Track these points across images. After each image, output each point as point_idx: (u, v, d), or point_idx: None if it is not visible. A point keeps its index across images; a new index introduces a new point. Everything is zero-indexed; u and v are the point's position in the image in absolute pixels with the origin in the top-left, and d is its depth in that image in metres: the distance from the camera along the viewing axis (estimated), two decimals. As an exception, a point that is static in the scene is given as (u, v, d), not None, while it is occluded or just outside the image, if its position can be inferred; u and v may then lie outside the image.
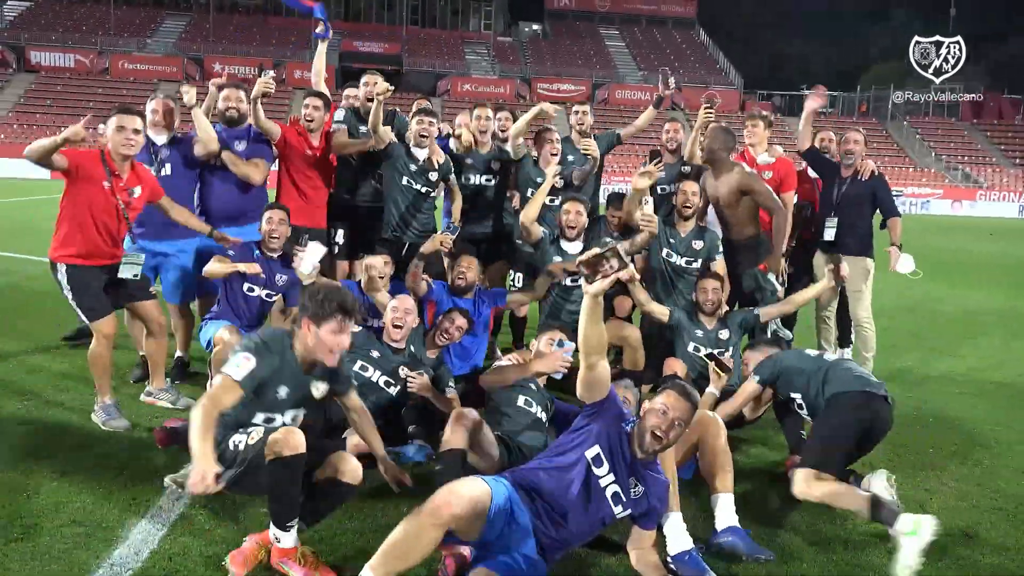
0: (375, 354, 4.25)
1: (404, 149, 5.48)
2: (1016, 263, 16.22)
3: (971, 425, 5.05)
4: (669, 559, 3.08)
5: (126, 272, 4.43)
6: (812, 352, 4.11)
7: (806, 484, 3.38)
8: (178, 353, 5.44)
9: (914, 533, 2.97)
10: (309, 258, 4.68)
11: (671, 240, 5.28)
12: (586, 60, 55.12)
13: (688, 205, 5.21)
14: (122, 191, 4.38)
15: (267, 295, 4.97)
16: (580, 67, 53.33)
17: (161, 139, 5.16)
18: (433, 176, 5.52)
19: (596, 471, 2.95)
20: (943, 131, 50.97)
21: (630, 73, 53.93)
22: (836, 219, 5.68)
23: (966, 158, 47.60)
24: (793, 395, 3.93)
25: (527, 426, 3.87)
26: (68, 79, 45.28)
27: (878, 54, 63.99)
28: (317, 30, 6.27)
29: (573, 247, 5.16)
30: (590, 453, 2.96)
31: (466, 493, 2.64)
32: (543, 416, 3.97)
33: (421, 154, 5.48)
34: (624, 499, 2.97)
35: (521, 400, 3.93)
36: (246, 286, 4.88)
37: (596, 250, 2.87)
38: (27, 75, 45.21)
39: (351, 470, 3.01)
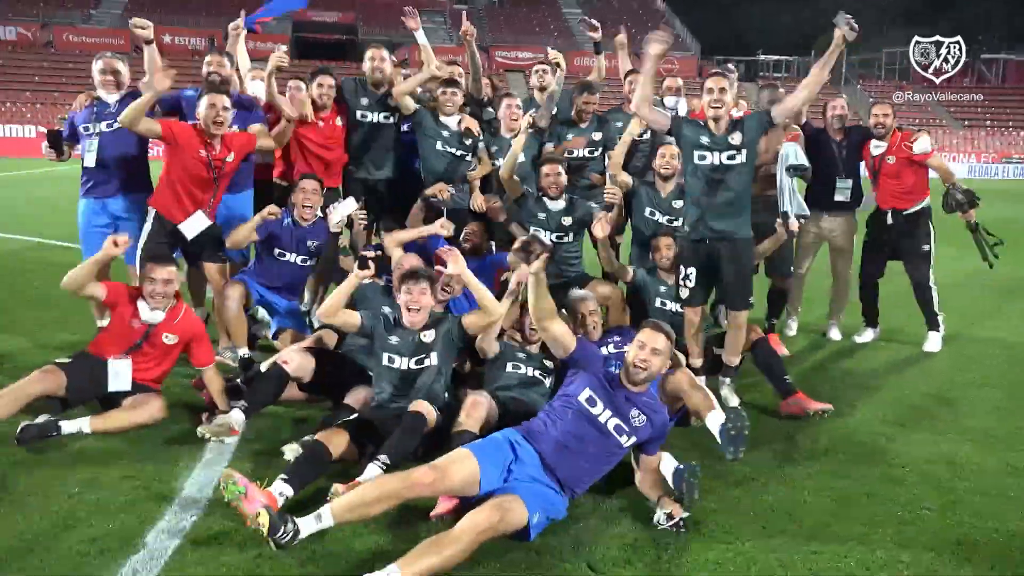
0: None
1: (432, 117, 5.62)
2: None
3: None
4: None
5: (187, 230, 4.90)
6: None
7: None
8: None
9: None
10: (341, 210, 5.07)
11: (654, 200, 5.40)
12: (543, 28, 54.68)
13: (667, 167, 5.32)
14: (216, 159, 4.90)
15: (301, 260, 5.19)
16: (538, 35, 52.79)
17: (112, 98, 5.25)
18: (468, 141, 5.66)
19: (592, 410, 3.32)
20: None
21: (588, 41, 53.55)
22: (849, 180, 6.01)
23: (916, 121, 48.57)
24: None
25: (517, 384, 4.15)
26: (10, 52, 43.50)
27: (832, 17, 64.38)
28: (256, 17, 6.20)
29: (556, 204, 5.32)
30: (582, 396, 3.35)
31: (454, 477, 3.04)
32: (537, 374, 4.22)
33: (450, 122, 5.63)
34: (627, 429, 3.33)
35: (510, 366, 4.23)
36: (276, 251, 5.12)
37: (523, 238, 3.56)
38: (-35, 48, 43.41)
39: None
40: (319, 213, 5.21)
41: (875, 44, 53.42)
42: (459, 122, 5.67)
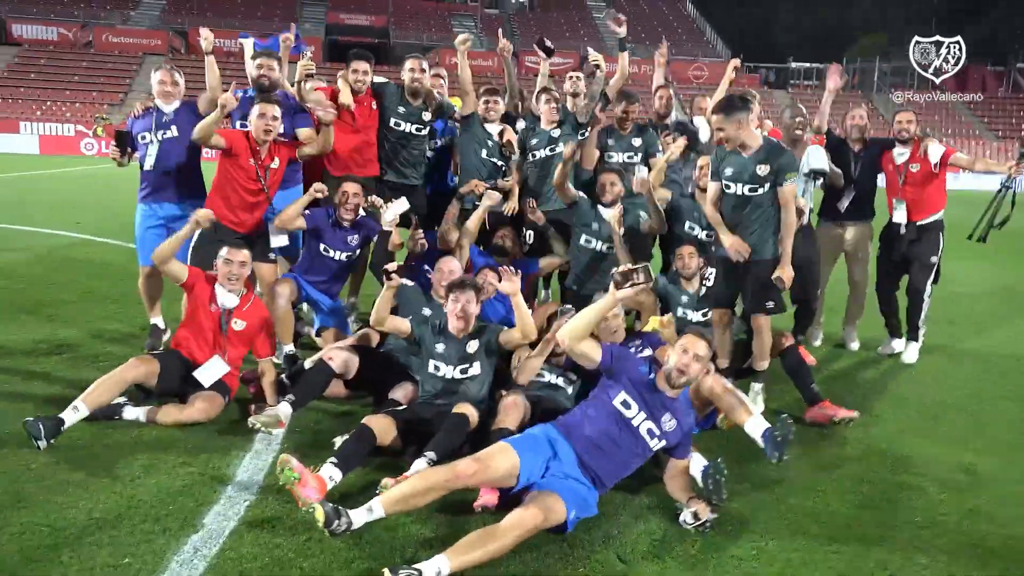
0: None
1: (479, 123, 5.88)
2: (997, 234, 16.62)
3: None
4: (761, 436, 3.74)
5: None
6: None
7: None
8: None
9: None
10: (394, 209, 5.27)
11: (694, 214, 5.51)
12: (573, 32, 54.77)
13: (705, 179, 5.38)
14: (262, 167, 5.17)
15: (347, 257, 5.44)
16: (567, 39, 52.84)
17: (169, 108, 5.48)
18: (507, 153, 5.90)
19: (627, 413, 3.48)
20: (927, 103, 51.24)
21: (618, 45, 53.68)
22: (854, 192, 6.10)
23: (950, 131, 47.96)
24: None
25: (539, 388, 4.33)
26: (51, 52, 44.56)
27: (863, 25, 63.86)
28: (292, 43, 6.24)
29: (609, 212, 5.46)
30: (618, 400, 3.50)
31: (496, 470, 3.23)
32: (560, 382, 4.41)
33: (493, 129, 5.89)
34: (659, 432, 3.49)
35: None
36: (322, 247, 5.34)
37: (630, 265, 3.51)
38: (9, 48, 44.44)
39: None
40: (362, 212, 5.43)
41: (908, 52, 52.73)
42: (501, 132, 5.89)
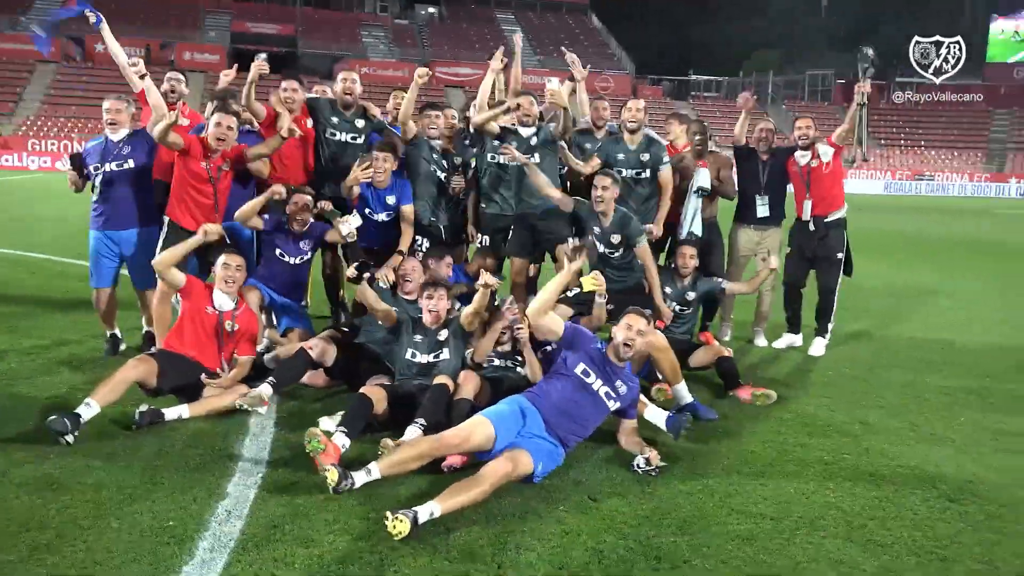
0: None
1: (426, 141, 6.19)
2: (888, 236, 18.34)
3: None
4: (672, 409, 4.65)
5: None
6: None
7: None
8: (148, 328, 5.98)
9: None
10: (352, 222, 5.67)
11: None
12: (483, 44, 55.59)
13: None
14: (214, 169, 5.52)
15: (301, 260, 5.79)
16: (478, 51, 53.80)
17: (117, 136, 5.66)
18: (456, 161, 6.30)
19: (587, 380, 4.11)
20: (818, 114, 54.72)
21: (526, 58, 54.27)
22: (767, 197, 6.71)
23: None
24: None
25: (493, 369, 4.96)
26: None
27: (759, 41, 67.60)
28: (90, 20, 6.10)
29: (527, 130, 6.03)
30: (578, 369, 4.14)
31: (475, 439, 3.77)
32: (508, 364, 5.00)
33: (438, 144, 6.28)
34: (614, 395, 4.14)
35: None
36: (277, 251, 5.69)
37: (578, 242, 4.28)
38: None
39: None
40: (310, 220, 5.78)
41: (800, 67, 56.33)
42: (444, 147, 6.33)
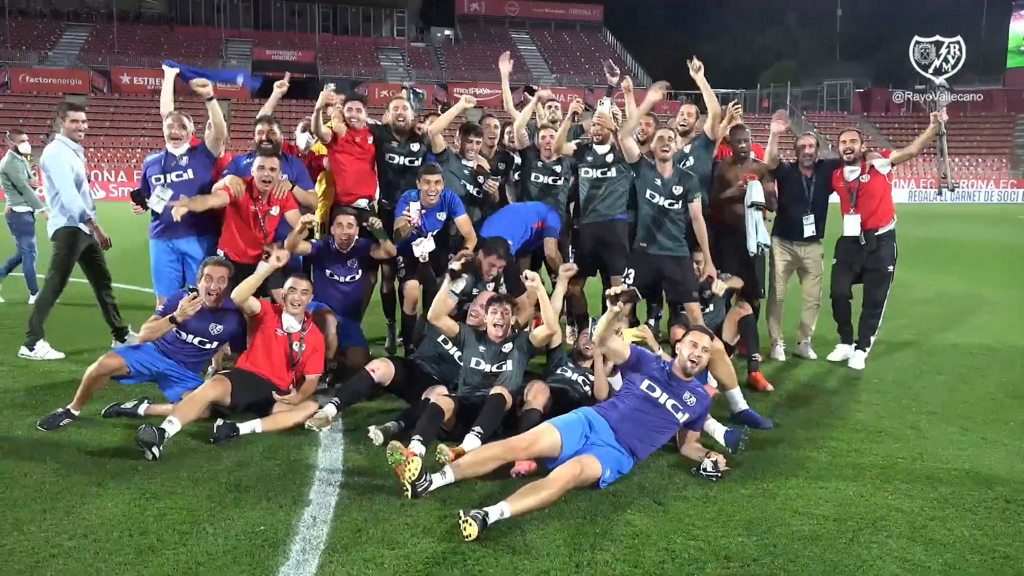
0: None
1: (456, 157, 6.50)
2: (920, 243, 18.35)
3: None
4: (733, 414, 4.95)
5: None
6: None
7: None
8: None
9: None
10: (426, 244, 5.97)
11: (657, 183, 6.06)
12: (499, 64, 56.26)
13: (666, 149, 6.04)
14: (263, 211, 5.75)
15: (352, 279, 6.10)
16: (494, 71, 54.14)
17: (178, 151, 5.99)
18: (481, 180, 6.54)
19: (653, 395, 4.27)
20: (837, 123, 54.65)
21: (543, 76, 55.51)
22: (812, 216, 6.67)
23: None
24: None
25: (560, 380, 5.16)
26: (-37, 95, 43.41)
27: (775, 55, 67.84)
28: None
29: (603, 148, 6.44)
30: (643, 385, 4.32)
31: (542, 444, 3.99)
32: (578, 378, 5.20)
33: (470, 164, 6.55)
34: (682, 408, 4.29)
35: (558, 370, 5.24)
36: (327, 272, 5.98)
37: (625, 289, 4.73)
38: (-79, 91, 43.13)
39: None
40: (355, 236, 6.00)
41: (818, 78, 56.32)
42: (476, 166, 6.57)
